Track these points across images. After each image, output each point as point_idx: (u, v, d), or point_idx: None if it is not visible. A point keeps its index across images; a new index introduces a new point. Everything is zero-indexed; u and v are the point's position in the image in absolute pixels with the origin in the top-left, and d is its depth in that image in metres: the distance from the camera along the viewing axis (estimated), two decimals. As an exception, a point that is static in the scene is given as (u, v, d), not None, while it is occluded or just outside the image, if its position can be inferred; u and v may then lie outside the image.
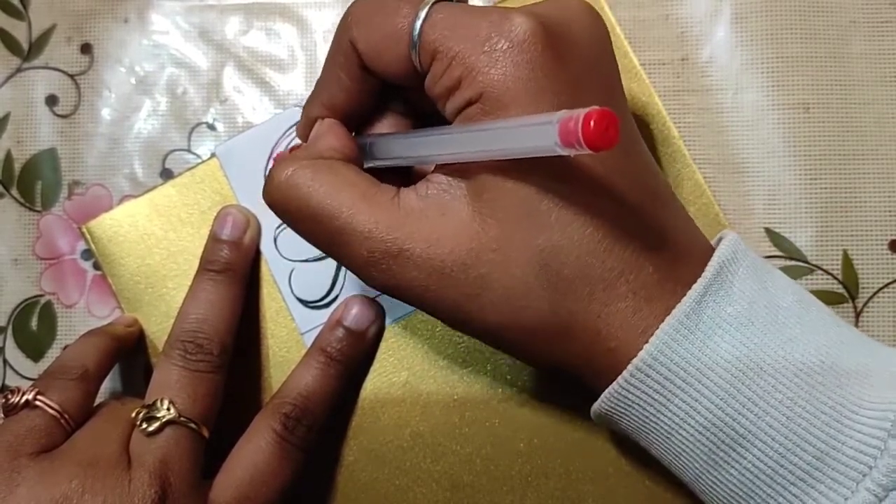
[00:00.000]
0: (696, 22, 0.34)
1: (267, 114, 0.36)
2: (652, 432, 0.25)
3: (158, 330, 0.34)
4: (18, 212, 0.36)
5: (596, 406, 0.25)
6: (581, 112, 0.19)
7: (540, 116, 0.21)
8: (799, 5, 0.34)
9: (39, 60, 0.37)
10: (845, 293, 0.33)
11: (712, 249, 0.25)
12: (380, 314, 0.33)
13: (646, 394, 0.24)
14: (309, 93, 0.36)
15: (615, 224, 0.24)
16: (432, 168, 0.26)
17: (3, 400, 0.29)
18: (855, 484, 0.22)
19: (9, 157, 0.37)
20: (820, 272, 0.33)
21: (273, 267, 0.34)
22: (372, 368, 0.33)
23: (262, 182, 0.34)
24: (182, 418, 0.29)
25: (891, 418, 0.22)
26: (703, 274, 0.24)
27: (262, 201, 0.34)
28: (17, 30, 0.37)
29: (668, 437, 0.24)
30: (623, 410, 0.25)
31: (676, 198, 0.27)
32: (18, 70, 0.37)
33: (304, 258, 0.34)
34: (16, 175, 0.36)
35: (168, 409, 0.29)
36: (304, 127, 0.29)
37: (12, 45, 0.37)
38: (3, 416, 0.29)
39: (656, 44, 0.34)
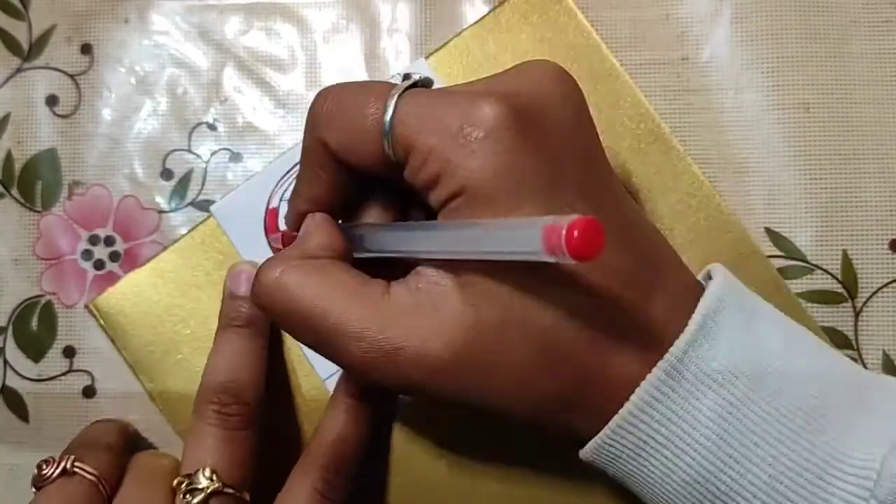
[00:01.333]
0: (696, 22, 0.34)
1: (268, 115, 0.36)
2: (638, 483, 0.25)
3: (179, 397, 0.34)
4: (19, 212, 0.36)
5: (582, 453, 0.25)
6: (564, 221, 0.19)
7: (525, 221, 0.21)
8: (799, 5, 0.34)
9: (40, 60, 0.37)
10: (845, 293, 0.33)
11: (700, 288, 0.25)
12: None
13: (629, 446, 0.24)
14: (308, 93, 0.36)
15: (608, 291, 0.23)
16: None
17: (37, 471, 0.29)
18: None
19: (9, 158, 0.37)
20: (820, 272, 0.33)
21: None
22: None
23: (262, 235, 0.34)
24: (225, 489, 0.28)
25: (873, 477, 0.22)
26: (686, 328, 0.24)
27: (268, 252, 0.33)
28: (18, 30, 0.37)
29: (652, 488, 0.24)
30: (609, 461, 0.25)
31: (661, 235, 0.27)
32: (19, 70, 0.37)
33: None
34: (16, 175, 0.36)
35: (211, 478, 0.28)
36: (294, 220, 0.28)
37: (12, 46, 0.37)
38: (36, 488, 0.29)
39: (656, 44, 0.34)
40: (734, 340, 0.24)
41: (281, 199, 0.34)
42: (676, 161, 0.33)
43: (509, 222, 0.22)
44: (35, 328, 0.36)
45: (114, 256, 0.36)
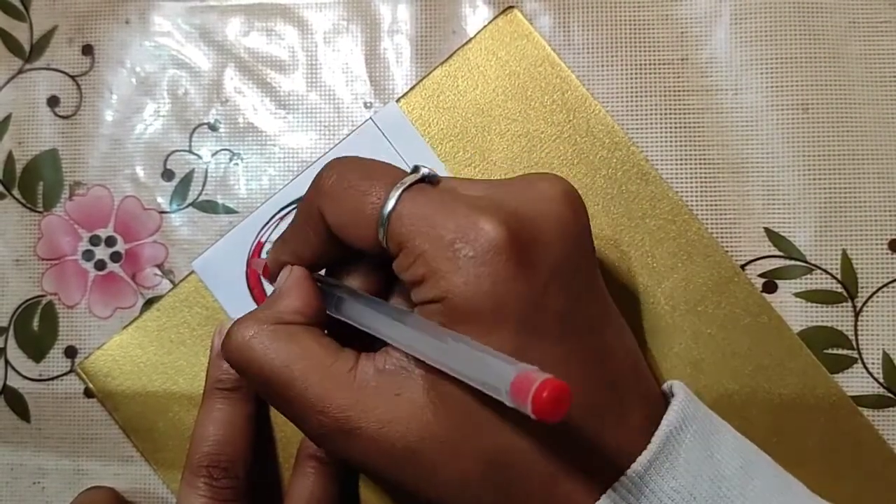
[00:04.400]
0: (696, 22, 0.34)
1: (268, 116, 0.36)
2: None
3: (174, 456, 0.34)
4: (20, 212, 0.36)
5: None
6: (538, 378, 0.19)
7: (499, 358, 0.21)
8: (798, 6, 0.34)
9: (41, 62, 0.37)
10: (844, 293, 0.33)
11: (665, 406, 0.25)
12: None
13: None
14: (309, 93, 0.36)
15: (571, 420, 0.23)
16: None
17: None
18: None
19: (10, 158, 0.37)
20: (819, 272, 0.33)
21: None
22: None
23: (245, 288, 0.34)
24: None
25: None
26: (649, 447, 0.24)
27: (252, 306, 0.33)
28: (19, 31, 0.37)
29: None
30: None
31: (636, 354, 0.26)
32: (20, 71, 0.37)
33: None
34: (17, 176, 0.37)
35: None
36: (275, 268, 0.29)
37: (14, 47, 0.37)
38: None
39: (656, 44, 0.35)
40: (694, 460, 0.24)
41: (262, 252, 0.34)
42: (654, 187, 0.33)
43: (484, 351, 0.22)
44: (36, 328, 0.36)
45: (115, 257, 0.36)
